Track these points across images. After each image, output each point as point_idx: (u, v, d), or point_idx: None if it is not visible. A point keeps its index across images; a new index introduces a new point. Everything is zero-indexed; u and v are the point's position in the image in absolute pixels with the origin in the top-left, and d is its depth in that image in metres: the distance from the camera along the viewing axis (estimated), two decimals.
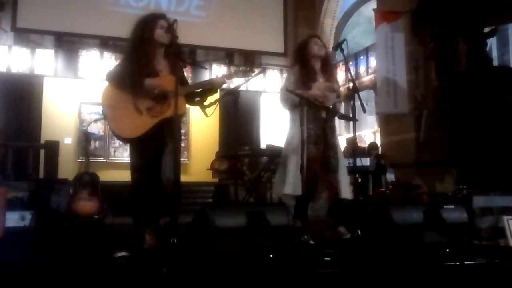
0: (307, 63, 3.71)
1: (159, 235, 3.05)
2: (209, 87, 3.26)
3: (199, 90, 3.27)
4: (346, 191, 3.56)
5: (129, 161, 3.17)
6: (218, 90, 3.34)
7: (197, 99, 3.29)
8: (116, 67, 3.22)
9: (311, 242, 3.23)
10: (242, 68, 3.76)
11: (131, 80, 3.00)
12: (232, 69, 3.23)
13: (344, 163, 3.68)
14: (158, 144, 3.00)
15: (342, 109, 3.88)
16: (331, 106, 3.56)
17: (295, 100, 3.44)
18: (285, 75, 10.28)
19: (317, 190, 3.51)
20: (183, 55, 3.27)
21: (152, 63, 3.11)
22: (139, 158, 3.08)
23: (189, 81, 7.24)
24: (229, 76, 3.36)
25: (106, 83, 3.14)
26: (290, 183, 3.47)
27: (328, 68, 3.76)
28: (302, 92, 3.44)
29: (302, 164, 3.19)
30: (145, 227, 3.07)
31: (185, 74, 3.46)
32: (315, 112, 3.53)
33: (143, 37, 3.10)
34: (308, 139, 3.37)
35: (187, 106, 3.25)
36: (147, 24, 3.13)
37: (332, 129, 3.65)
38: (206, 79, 4.29)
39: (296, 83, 3.61)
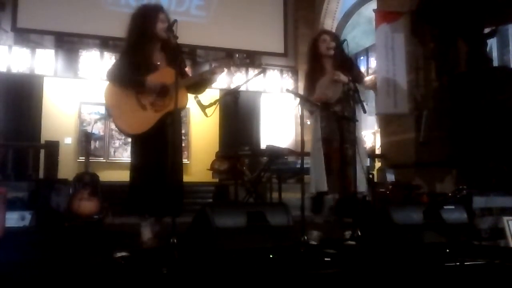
0: (315, 63, 3.70)
1: (157, 231, 3.06)
2: (209, 77, 3.22)
3: (198, 81, 3.23)
4: (361, 185, 3.47)
5: (129, 161, 3.17)
6: (219, 90, 3.34)
7: (198, 99, 3.29)
8: (115, 64, 3.20)
9: (312, 243, 3.25)
10: (239, 55, 3.77)
11: (133, 79, 3.00)
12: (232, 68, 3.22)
13: (364, 156, 3.63)
14: (162, 141, 2.99)
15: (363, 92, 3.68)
16: (338, 98, 3.54)
17: (307, 104, 3.57)
18: (285, 75, 10.30)
19: (336, 186, 3.54)
20: (182, 55, 3.26)
21: (151, 58, 3.11)
22: (144, 154, 3.07)
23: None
24: (227, 65, 3.34)
25: (107, 83, 3.13)
26: (312, 182, 3.58)
27: (339, 63, 3.64)
28: (304, 95, 3.51)
29: (319, 162, 3.46)
30: (143, 220, 3.07)
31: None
32: (326, 110, 3.55)
33: (144, 32, 3.09)
34: (322, 137, 3.55)
35: (187, 106, 3.24)
36: (149, 18, 3.11)
37: (348, 121, 3.56)
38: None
39: (308, 87, 3.65)
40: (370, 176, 4.95)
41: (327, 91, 3.55)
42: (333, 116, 3.57)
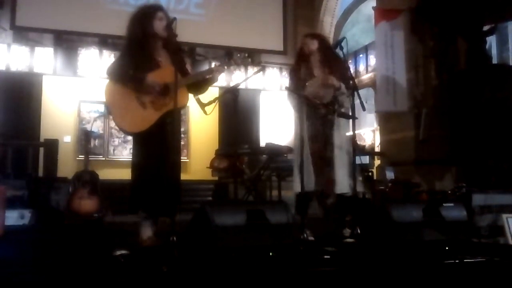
0: (302, 62, 3.79)
1: (156, 230, 3.06)
2: (209, 76, 3.22)
3: (199, 80, 3.23)
4: (342, 185, 3.49)
5: (128, 159, 3.17)
6: (218, 88, 3.34)
7: (197, 97, 3.29)
8: (115, 61, 3.20)
9: (311, 238, 3.25)
10: (240, 54, 3.75)
11: (132, 76, 2.99)
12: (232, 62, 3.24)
13: (344, 157, 3.61)
14: (162, 139, 2.98)
15: (348, 102, 3.62)
16: (329, 101, 3.57)
17: (295, 100, 3.58)
18: (284, 73, 10.29)
19: (320, 185, 3.54)
20: (182, 54, 3.25)
21: (153, 55, 3.10)
22: (144, 153, 3.06)
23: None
24: (228, 64, 3.34)
25: (107, 81, 3.12)
26: (296, 181, 3.54)
27: (327, 59, 3.70)
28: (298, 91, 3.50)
29: (301, 162, 3.35)
30: (143, 220, 3.07)
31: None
32: (314, 109, 3.56)
33: (144, 32, 3.08)
34: (308, 136, 3.54)
35: (187, 105, 3.24)
36: (146, 17, 3.10)
37: (332, 123, 3.62)
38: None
39: (294, 84, 3.69)
40: (360, 177, 4.86)
41: (319, 90, 3.57)
42: (319, 117, 3.58)
